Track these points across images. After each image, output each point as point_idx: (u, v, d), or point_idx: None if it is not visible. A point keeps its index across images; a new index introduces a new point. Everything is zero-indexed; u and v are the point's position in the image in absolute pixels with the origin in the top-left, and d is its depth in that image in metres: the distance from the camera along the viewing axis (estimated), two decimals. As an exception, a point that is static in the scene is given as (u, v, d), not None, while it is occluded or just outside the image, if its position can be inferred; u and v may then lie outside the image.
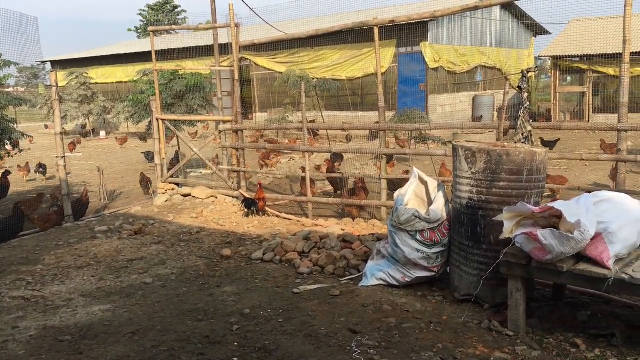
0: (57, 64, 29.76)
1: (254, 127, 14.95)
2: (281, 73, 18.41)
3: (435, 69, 19.15)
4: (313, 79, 16.05)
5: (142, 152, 15.72)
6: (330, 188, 9.80)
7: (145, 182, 10.52)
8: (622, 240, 3.63)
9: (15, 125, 10.40)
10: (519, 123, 6.23)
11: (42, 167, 13.47)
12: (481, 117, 19.64)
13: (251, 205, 8.07)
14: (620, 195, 4.00)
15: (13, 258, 6.29)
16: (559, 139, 13.11)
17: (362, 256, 5.55)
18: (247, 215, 7.98)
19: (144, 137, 18.45)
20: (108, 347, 3.90)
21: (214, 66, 10.20)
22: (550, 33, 25.08)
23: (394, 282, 4.88)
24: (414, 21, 15.23)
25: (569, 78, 20.68)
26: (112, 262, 6.05)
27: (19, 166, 13.52)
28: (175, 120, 11.25)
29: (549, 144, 12.55)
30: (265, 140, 14.96)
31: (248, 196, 8.31)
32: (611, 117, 16.94)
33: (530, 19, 23.57)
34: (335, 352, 3.71)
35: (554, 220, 3.70)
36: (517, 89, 6.32)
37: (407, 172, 9.57)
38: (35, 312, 4.64)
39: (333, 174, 9.47)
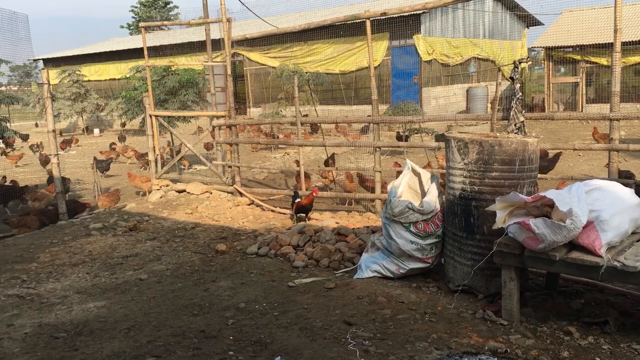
0: (50, 62, 29.59)
1: (248, 122, 14.91)
2: (274, 68, 18.36)
3: (429, 62, 19.14)
4: (306, 73, 16.03)
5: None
6: (325, 182, 9.82)
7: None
8: (614, 228, 3.64)
9: (8, 124, 10.38)
10: (511, 114, 6.23)
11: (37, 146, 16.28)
12: (469, 109, 19.56)
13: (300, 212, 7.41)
14: (612, 183, 4.01)
15: (7, 256, 6.28)
16: (560, 153, 9.87)
17: (356, 249, 5.56)
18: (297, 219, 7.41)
19: (123, 136, 18.76)
20: (104, 343, 3.90)
21: (207, 62, 10.17)
22: (543, 24, 25.10)
23: (389, 274, 4.90)
24: (406, 14, 15.22)
25: (562, 69, 20.70)
26: (107, 258, 6.04)
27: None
28: (169, 117, 11.22)
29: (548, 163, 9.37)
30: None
31: (242, 191, 8.30)
32: (604, 107, 16.95)
33: (522, 10, 23.57)
34: (331, 344, 3.72)
35: (546, 209, 3.72)
36: (509, 79, 6.34)
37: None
38: (30, 310, 4.63)
39: None
